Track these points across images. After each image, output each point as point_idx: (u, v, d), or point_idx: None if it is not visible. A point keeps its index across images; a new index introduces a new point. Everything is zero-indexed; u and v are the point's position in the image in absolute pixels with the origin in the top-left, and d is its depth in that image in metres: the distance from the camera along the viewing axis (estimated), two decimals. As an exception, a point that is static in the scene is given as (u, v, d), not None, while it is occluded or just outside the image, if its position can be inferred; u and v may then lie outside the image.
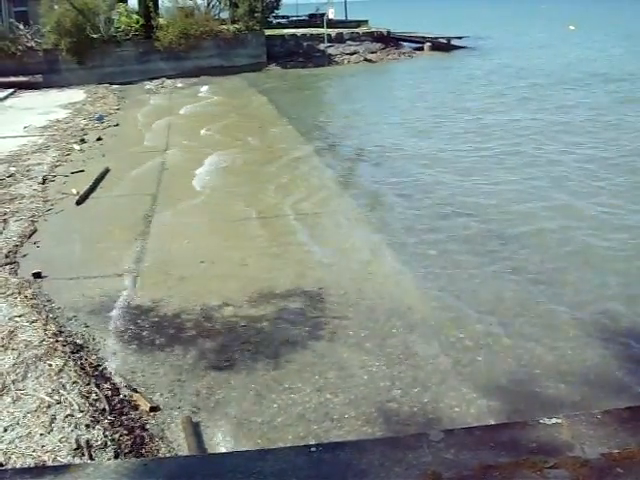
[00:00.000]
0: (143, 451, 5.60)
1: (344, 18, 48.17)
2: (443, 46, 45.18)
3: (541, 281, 8.88)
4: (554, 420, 3.22)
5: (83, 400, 6.15)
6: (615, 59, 35.05)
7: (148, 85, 33.40)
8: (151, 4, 35.62)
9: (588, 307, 8.08)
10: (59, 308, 8.46)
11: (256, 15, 37.34)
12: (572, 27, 59.48)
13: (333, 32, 40.97)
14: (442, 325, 7.74)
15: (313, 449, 2.84)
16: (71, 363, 6.85)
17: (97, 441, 5.56)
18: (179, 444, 5.74)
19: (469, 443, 2.99)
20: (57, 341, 7.35)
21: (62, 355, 7.00)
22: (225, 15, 39.56)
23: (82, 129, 21.23)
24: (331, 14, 44.29)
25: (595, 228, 10.70)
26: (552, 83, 27.57)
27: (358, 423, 5.96)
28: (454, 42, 45.83)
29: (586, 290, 8.59)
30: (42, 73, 32.29)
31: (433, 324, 7.78)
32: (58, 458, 5.29)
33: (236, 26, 37.34)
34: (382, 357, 7.07)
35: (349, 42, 41.04)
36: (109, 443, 5.56)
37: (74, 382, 6.45)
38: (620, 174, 13.58)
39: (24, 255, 10.37)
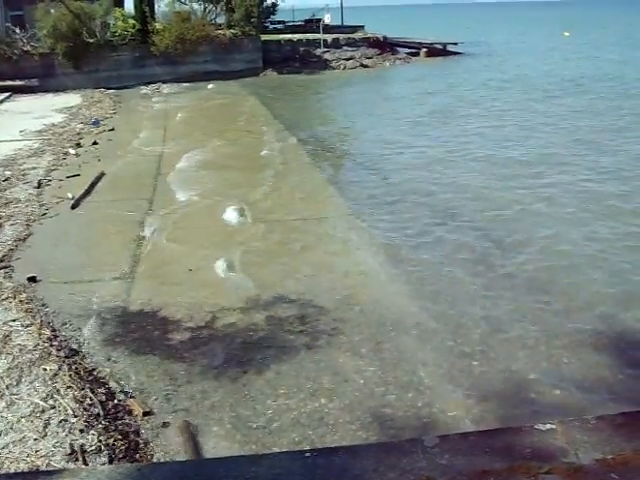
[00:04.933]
0: (137, 456, 5.59)
1: (340, 23, 48.27)
2: (439, 52, 45.28)
3: (537, 287, 8.89)
4: (548, 426, 3.22)
5: (77, 405, 6.14)
6: (604, 65, 35.43)
7: (144, 90, 33.40)
8: (147, 9, 35.59)
9: (583, 313, 8.10)
10: (54, 312, 8.44)
11: (252, 20, 37.36)
12: (566, 33, 59.95)
13: (329, 37, 41.06)
14: (437, 330, 7.74)
15: (308, 454, 2.84)
16: (65, 368, 6.84)
17: (91, 446, 5.55)
18: (173, 449, 5.74)
19: (464, 448, 2.99)
20: (51, 345, 7.34)
21: (56, 359, 6.99)
22: (221, 20, 39.56)
23: (78, 133, 21.23)
24: (327, 19, 44.38)
25: (591, 233, 10.72)
26: (556, 90, 27.69)
27: (353, 428, 5.96)
28: (450, 48, 45.98)
29: (581, 296, 8.60)
30: (38, 77, 32.24)
31: (428, 329, 7.78)
32: (52, 463, 5.28)
33: (232, 31, 37.37)
34: (377, 362, 7.08)
35: (345, 47, 41.09)
36: (103, 448, 5.55)
37: (68, 387, 6.44)
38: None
39: (19, 259, 10.34)
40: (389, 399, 6.41)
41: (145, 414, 6.21)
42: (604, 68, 34.10)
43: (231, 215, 12.32)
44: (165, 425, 6.09)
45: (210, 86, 33.59)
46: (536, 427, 3.16)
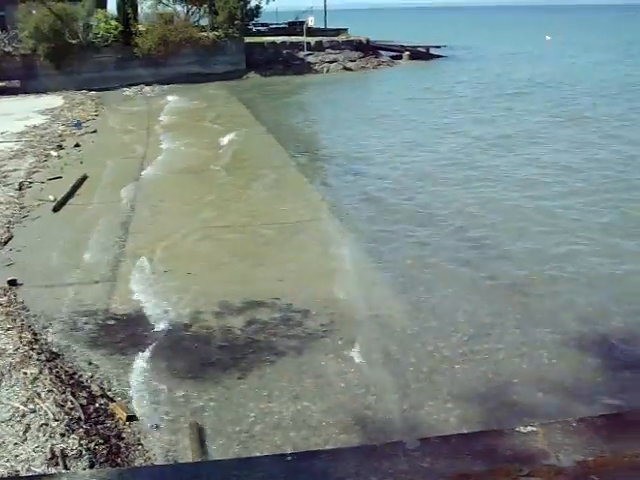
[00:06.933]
0: (119, 460, 5.56)
1: (324, 26, 48.24)
2: (422, 55, 45.46)
3: (518, 290, 8.93)
4: (530, 428, 3.23)
5: (58, 409, 6.09)
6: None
7: (127, 91, 33.29)
8: (130, 10, 35.48)
9: (565, 316, 8.14)
10: (35, 316, 8.38)
11: (236, 22, 37.32)
12: (548, 37, 60.65)
13: (313, 40, 41.03)
14: (420, 334, 7.76)
15: (289, 458, 2.83)
16: (46, 371, 6.79)
17: (72, 450, 5.51)
18: (155, 453, 5.71)
19: (445, 451, 2.99)
20: (32, 349, 7.28)
21: (37, 363, 6.94)
22: (205, 22, 39.47)
23: (60, 135, 21.09)
24: (311, 22, 44.30)
25: (572, 237, 10.79)
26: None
27: (335, 431, 5.96)
28: (432, 51, 46.20)
29: (563, 299, 8.65)
30: (20, 78, 32.04)
31: (411, 333, 7.79)
32: (32, 468, 5.23)
33: (216, 33, 37.29)
34: (361, 365, 7.09)
35: (329, 50, 41.11)
36: (84, 452, 5.51)
37: (49, 390, 6.38)
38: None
39: (-1, 262, 10.28)
40: (372, 401, 6.42)
41: (129, 418, 6.18)
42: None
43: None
44: (153, 427, 6.07)
45: (183, 95, 33.15)
46: (517, 430, 3.17)
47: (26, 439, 5.62)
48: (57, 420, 5.90)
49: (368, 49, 43.38)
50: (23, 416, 5.94)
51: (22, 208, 13.03)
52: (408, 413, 6.20)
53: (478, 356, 7.23)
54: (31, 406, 6.10)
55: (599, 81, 31.11)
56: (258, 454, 5.49)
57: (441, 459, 2.83)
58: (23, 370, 6.74)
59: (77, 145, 19.55)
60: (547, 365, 7.04)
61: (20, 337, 7.55)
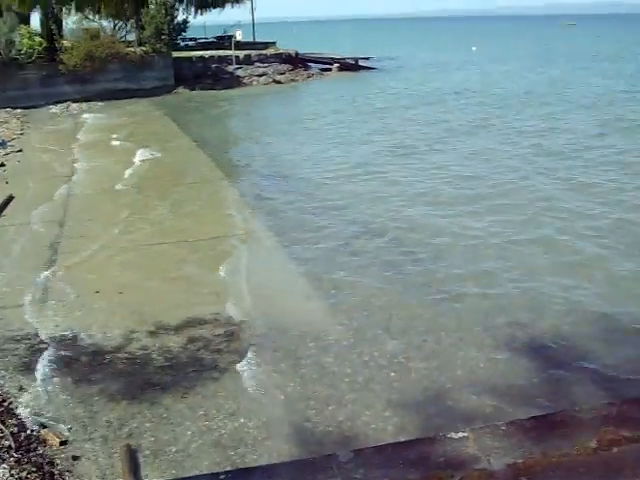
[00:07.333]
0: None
1: (252, 40, 48.30)
2: (351, 67, 45.95)
3: (450, 297, 9.08)
4: (461, 434, 3.30)
5: (-13, 438, 5.92)
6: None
7: (53, 109, 32.56)
8: (54, 26, 34.80)
9: (496, 320, 8.32)
10: (-42, 343, 8.12)
11: (163, 37, 36.95)
12: (474, 48, 62.61)
13: (241, 54, 40.99)
14: (355, 345, 7.81)
15: (222, 476, 2.83)
16: (-27, 400, 6.59)
17: (2, 481, 5.36)
18: (90, 478, 5.59)
19: (378, 461, 3.03)
20: (-42, 378, 7.06)
21: (-37, 392, 6.73)
22: (131, 37, 39.02)
23: (-17, 155, 20.52)
24: (239, 36, 44.27)
25: (498, 241, 11.04)
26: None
27: (272, 445, 5.94)
28: (361, 63, 46.75)
29: (494, 302, 8.84)
30: (-61, 97, 31.10)
31: (346, 344, 7.84)
32: (-40, 501, 5.07)
33: (143, 48, 36.85)
34: (297, 378, 7.09)
35: (257, 64, 41.13)
36: (16, 482, 5.36)
37: (-23, 420, 6.20)
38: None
39: None
40: (309, 414, 6.43)
41: (62, 444, 6.03)
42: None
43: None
44: (76, 458, 5.93)
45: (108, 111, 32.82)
46: (449, 436, 3.23)
47: (-47, 472, 5.45)
48: (-14, 450, 5.73)
49: (297, 62, 43.63)
50: (-50, 448, 5.76)
51: (-56, 231, 12.64)
52: (345, 424, 6.23)
53: (413, 364, 7.32)
54: (-42, 437, 5.91)
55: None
56: (192, 474, 5.44)
57: (374, 469, 2.87)
58: (-51, 400, 6.53)
59: (2, 165, 19.05)
60: (481, 369, 7.18)
61: (-55, 366, 7.32)
